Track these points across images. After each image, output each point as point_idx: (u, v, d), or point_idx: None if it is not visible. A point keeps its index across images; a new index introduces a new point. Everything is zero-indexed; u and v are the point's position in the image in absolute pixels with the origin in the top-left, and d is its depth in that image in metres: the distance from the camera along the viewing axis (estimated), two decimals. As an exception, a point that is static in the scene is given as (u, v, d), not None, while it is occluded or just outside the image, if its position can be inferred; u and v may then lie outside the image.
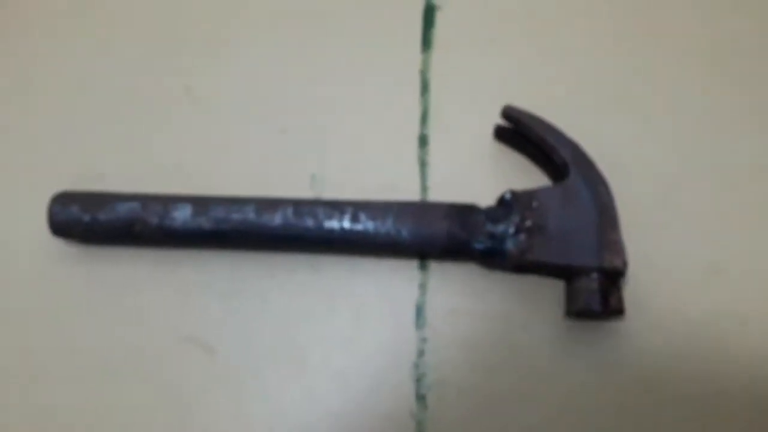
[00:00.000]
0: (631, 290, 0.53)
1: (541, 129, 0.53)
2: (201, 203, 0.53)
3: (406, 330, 0.54)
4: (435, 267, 0.55)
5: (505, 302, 0.54)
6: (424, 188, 0.58)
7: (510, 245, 0.51)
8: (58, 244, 0.56)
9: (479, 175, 0.58)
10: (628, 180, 0.55)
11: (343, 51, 0.63)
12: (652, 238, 0.55)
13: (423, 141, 0.59)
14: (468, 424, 0.51)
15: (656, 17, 0.63)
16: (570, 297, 0.51)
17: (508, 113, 0.55)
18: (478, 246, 0.51)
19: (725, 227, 0.55)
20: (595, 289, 0.49)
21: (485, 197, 0.53)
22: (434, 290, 0.55)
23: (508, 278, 0.54)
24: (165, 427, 0.52)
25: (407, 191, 0.57)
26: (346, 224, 0.52)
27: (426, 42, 0.63)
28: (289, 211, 0.52)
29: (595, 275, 0.49)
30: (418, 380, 0.52)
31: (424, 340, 0.53)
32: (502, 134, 0.58)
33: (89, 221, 0.52)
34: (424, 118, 0.60)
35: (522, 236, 0.51)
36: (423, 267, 0.55)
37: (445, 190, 0.57)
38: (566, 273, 0.51)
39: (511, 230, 0.51)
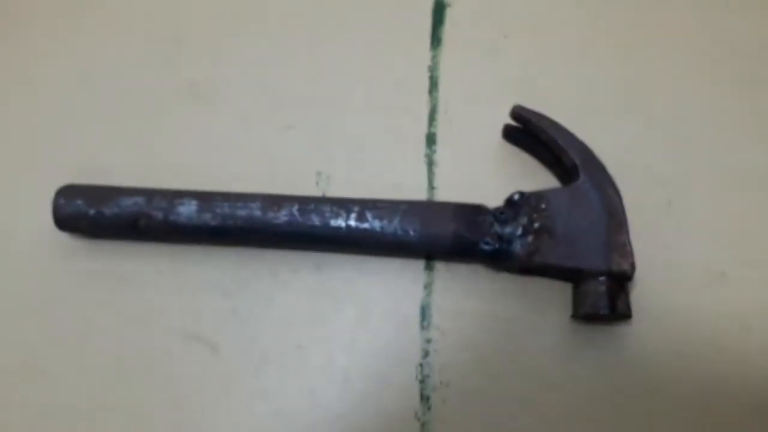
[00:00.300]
0: (638, 294, 0.52)
1: (551, 130, 0.53)
2: (206, 199, 0.52)
3: (411, 331, 0.53)
4: (441, 267, 0.55)
5: (511, 304, 0.53)
6: (431, 187, 0.57)
7: (517, 247, 0.50)
8: (63, 238, 0.56)
9: (487, 175, 0.57)
10: (635, 183, 0.54)
11: (351, 47, 0.62)
12: (658, 242, 0.54)
13: (431, 140, 0.59)
14: (472, 425, 0.51)
15: (665, 21, 0.62)
16: (577, 300, 0.51)
17: (518, 113, 0.54)
18: (485, 247, 0.50)
19: (731, 232, 0.55)
20: (602, 292, 0.49)
21: (493, 198, 0.52)
22: (440, 291, 0.54)
23: (515, 280, 0.54)
24: (166, 423, 0.52)
25: (414, 190, 0.57)
26: (353, 223, 0.51)
27: (435, 39, 0.62)
28: (295, 208, 0.52)
29: (602, 278, 0.49)
30: (423, 381, 0.52)
31: (429, 341, 0.53)
32: (510, 134, 0.57)
33: (94, 215, 0.52)
34: (432, 117, 0.60)
35: (530, 238, 0.50)
36: (429, 267, 0.55)
37: (453, 190, 0.56)
38: (574, 276, 0.51)
39: (519, 232, 0.50)
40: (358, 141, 0.59)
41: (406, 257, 0.55)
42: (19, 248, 0.57)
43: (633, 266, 0.49)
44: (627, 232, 0.50)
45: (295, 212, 0.52)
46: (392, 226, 0.51)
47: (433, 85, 0.61)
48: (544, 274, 0.53)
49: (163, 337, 0.54)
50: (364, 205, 0.52)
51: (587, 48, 0.61)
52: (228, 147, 0.59)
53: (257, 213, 0.52)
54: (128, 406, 0.52)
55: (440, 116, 0.60)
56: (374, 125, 0.60)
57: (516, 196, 0.51)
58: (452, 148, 0.58)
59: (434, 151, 0.58)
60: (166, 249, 0.56)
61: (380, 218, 0.51)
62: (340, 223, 0.51)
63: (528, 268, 0.52)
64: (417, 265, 0.55)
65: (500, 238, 0.50)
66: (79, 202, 0.52)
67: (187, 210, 0.52)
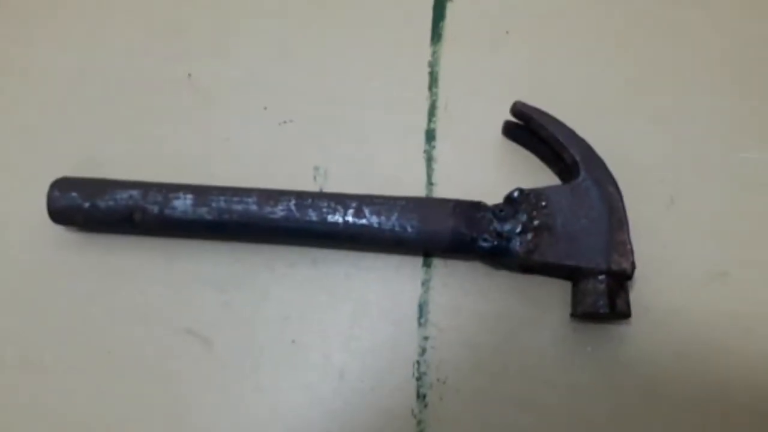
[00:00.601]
0: (638, 293, 0.52)
1: (551, 127, 0.52)
2: (202, 193, 0.52)
3: (408, 327, 0.53)
4: (439, 264, 0.54)
5: (509, 302, 0.53)
6: (429, 184, 0.57)
7: (516, 244, 0.50)
8: (57, 231, 0.55)
9: (486, 171, 0.57)
10: (636, 181, 0.54)
11: (351, 41, 0.62)
12: (659, 241, 0.54)
13: (430, 135, 0.58)
14: (469, 423, 0.50)
15: (669, 18, 0.62)
16: (576, 298, 0.50)
17: (519, 110, 0.54)
18: (484, 244, 0.50)
19: (732, 232, 0.55)
20: (602, 290, 0.48)
21: (492, 195, 0.52)
22: (438, 288, 0.54)
23: (514, 278, 0.53)
24: (160, 417, 0.51)
25: (412, 186, 0.56)
26: (350, 218, 0.51)
27: (436, 34, 0.62)
28: (292, 203, 0.51)
29: (602, 277, 0.48)
30: (420, 378, 0.51)
31: (426, 338, 0.52)
32: (511, 131, 0.57)
33: (88, 208, 0.52)
34: (431, 112, 0.59)
35: (529, 235, 0.50)
36: (427, 264, 0.54)
37: (452, 187, 0.56)
38: (573, 274, 0.50)
39: (518, 229, 0.50)
40: (357, 136, 0.59)
41: (403, 254, 0.54)
42: (13, 241, 0.56)
43: (633, 265, 0.49)
44: (627, 231, 0.50)
45: (292, 207, 0.51)
46: (390, 222, 0.51)
47: (433, 80, 0.60)
48: (544, 272, 0.53)
49: (158, 332, 0.53)
50: (362, 201, 0.51)
51: (589, 44, 0.61)
52: (225, 141, 0.59)
53: (254, 207, 0.51)
54: (122, 400, 0.52)
55: (440, 112, 0.59)
56: (373, 120, 0.59)
57: (515, 193, 0.51)
58: (452, 145, 0.58)
59: (433, 147, 0.58)
60: (162, 243, 0.55)
61: (378, 214, 0.51)
62: (338, 218, 0.51)
63: (527, 265, 0.51)
64: (415, 262, 0.55)
65: (499, 235, 0.50)
66: (74, 194, 0.52)
67: (183, 204, 0.51)
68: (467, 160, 0.57)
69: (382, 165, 0.57)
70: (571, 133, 0.52)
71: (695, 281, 0.53)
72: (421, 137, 0.58)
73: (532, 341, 0.52)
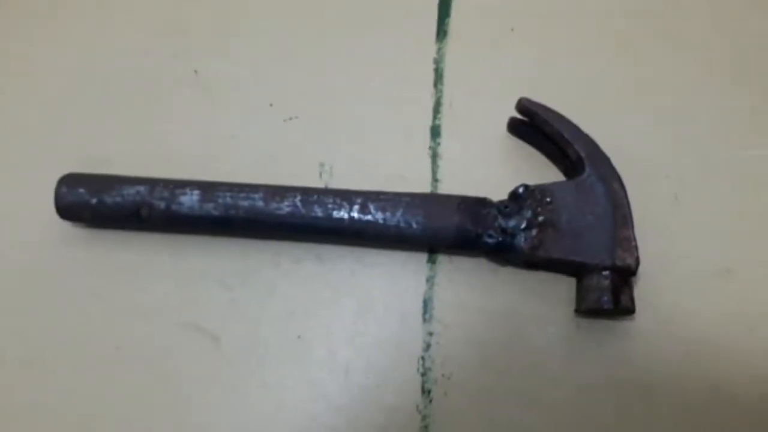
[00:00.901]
0: (641, 289, 0.52)
1: (557, 123, 0.52)
2: (209, 189, 0.52)
3: (413, 323, 0.53)
4: (444, 260, 0.55)
5: (514, 298, 0.53)
6: (434, 180, 0.57)
7: (521, 240, 0.50)
8: (64, 226, 0.56)
9: (491, 168, 0.57)
10: (641, 178, 0.54)
11: (356, 38, 0.62)
12: (663, 237, 0.54)
13: (435, 132, 0.59)
14: (473, 419, 0.51)
15: (674, 15, 0.62)
16: (581, 294, 0.50)
17: (524, 106, 0.54)
18: (489, 240, 0.50)
19: (736, 229, 0.55)
20: (606, 286, 0.48)
21: (497, 191, 0.52)
22: (443, 284, 0.54)
23: (518, 274, 0.54)
24: (167, 413, 0.52)
25: (417, 183, 0.57)
26: (355, 214, 0.51)
27: (441, 31, 0.62)
28: (298, 199, 0.51)
29: (606, 273, 0.49)
30: (424, 374, 0.52)
31: (431, 334, 0.53)
32: (515, 127, 0.57)
33: (96, 204, 0.52)
34: (436, 109, 0.59)
35: (534, 231, 0.50)
36: (432, 260, 0.55)
37: (457, 183, 0.56)
38: (578, 270, 0.50)
39: (523, 225, 0.50)
40: (362, 132, 0.59)
41: (408, 250, 0.55)
42: (21, 237, 0.56)
43: (637, 261, 0.49)
44: (632, 227, 0.50)
45: (298, 203, 0.51)
46: (395, 218, 0.51)
47: (438, 77, 0.60)
48: (548, 268, 0.53)
49: (164, 327, 0.53)
50: (367, 197, 0.52)
51: (593, 42, 0.61)
52: (231, 137, 0.59)
53: (260, 203, 0.51)
54: (128, 395, 0.52)
55: (445, 109, 0.59)
56: (378, 117, 0.59)
57: (520, 189, 0.51)
58: (457, 141, 0.58)
59: (438, 144, 0.58)
60: (168, 239, 0.55)
61: (383, 210, 0.51)
62: (343, 214, 0.51)
63: (532, 261, 0.51)
64: (420, 258, 0.55)
65: (504, 231, 0.50)
66: (81, 190, 0.52)
67: (190, 200, 0.52)
68: (472, 157, 0.57)
69: (387, 161, 0.58)
70: (576, 130, 0.52)
71: (699, 278, 0.53)
72: (426, 134, 0.59)
73: (536, 337, 0.52)
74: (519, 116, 0.56)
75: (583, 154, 0.51)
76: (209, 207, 0.51)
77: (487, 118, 0.58)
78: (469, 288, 0.54)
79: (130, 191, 0.52)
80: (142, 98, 0.61)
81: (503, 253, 0.51)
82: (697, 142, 0.57)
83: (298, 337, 0.53)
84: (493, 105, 0.58)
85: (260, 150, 0.58)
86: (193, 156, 0.58)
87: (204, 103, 0.60)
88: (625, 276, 0.49)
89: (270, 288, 0.54)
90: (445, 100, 0.60)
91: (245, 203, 0.51)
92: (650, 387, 0.51)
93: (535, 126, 0.55)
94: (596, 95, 0.59)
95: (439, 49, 0.61)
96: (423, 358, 0.52)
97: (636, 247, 0.49)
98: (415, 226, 0.51)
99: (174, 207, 0.52)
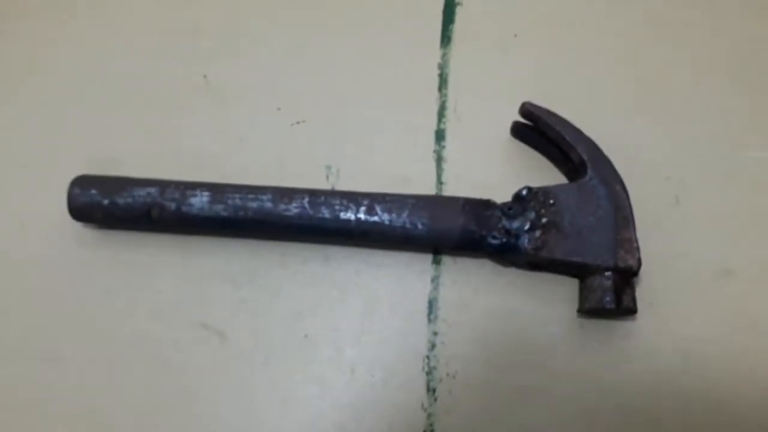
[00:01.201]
0: (643, 289, 0.53)
1: (559, 127, 0.53)
2: (218, 190, 0.53)
3: (418, 323, 0.54)
4: (448, 261, 0.55)
5: (517, 299, 0.54)
6: (439, 183, 0.58)
7: (525, 241, 0.51)
8: (76, 227, 0.57)
9: (495, 171, 0.58)
10: (642, 180, 0.55)
11: (363, 43, 0.63)
12: (665, 238, 0.55)
13: (440, 136, 0.60)
14: (478, 417, 0.51)
15: (675, 20, 0.63)
16: (583, 294, 0.51)
17: (527, 110, 0.55)
18: (493, 241, 0.51)
19: (736, 230, 0.56)
20: (608, 287, 0.49)
21: (501, 194, 0.53)
22: (447, 285, 0.55)
23: (522, 275, 0.54)
24: (175, 409, 0.52)
25: (422, 186, 0.58)
26: (362, 216, 0.52)
27: (445, 37, 0.63)
28: (306, 200, 0.52)
29: (608, 273, 0.49)
30: (429, 373, 0.52)
31: (435, 333, 0.54)
32: (519, 131, 0.58)
33: (107, 205, 0.53)
34: (441, 113, 0.60)
35: (537, 233, 0.51)
36: (436, 261, 0.56)
37: (461, 186, 0.57)
38: (580, 271, 0.51)
39: (527, 226, 0.51)
40: (368, 136, 0.60)
41: (414, 251, 0.56)
42: (34, 237, 0.57)
43: (639, 262, 0.50)
44: (633, 228, 0.51)
45: (306, 204, 0.52)
46: (401, 219, 0.52)
47: (443, 82, 0.62)
48: (551, 269, 0.54)
49: (174, 326, 0.54)
50: (374, 199, 0.52)
51: (594, 46, 0.62)
52: (240, 140, 0.60)
53: (268, 205, 0.52)
54: (138, 392, 0.53)
55: (449, 113, 0.60)
56: (384, 121, 0.60)
57: (524, 191, 0.52)
58: (461, 144, 0.59)
59: (443, 147, 0.59)
60: (178, 240, 0.56)
61: (389, 211, 0.52)
62: (350, 215, 0.52)
63: (535, 262, 0.52)
64: (424, 259, 0.56)
65: (508, 232, 0.51)
66: (93, 191, 0.53)
67: (200, 201, 0.53)
68: (476, 160, 0.58)
69: (393, 164, 0.59)
70: (579, 133, 0.53)
71: (700, 279, 0.54)
72: (431, 137, 0.60)
73: (539, 337, 0.53)
74: (522, 120, 0.57)
75: (585, 157, 0.52)
76: (219, 208, 0.52)
77: (490, 122, 0.59)
78: (473, 288, 0.55)
79: (141, 192, 0.53)
80: (153, 101, 0.62)
81: (507, 253, 0.52)
82: (698, 145, 0.58)
83: (305, 335, 0.54)
84: (496, 109, 0.59)
85: (268, 153, 0.59)
86: (203, 158, 0.59)
87: (213, 107, 0.61)
88: (627, 277, 0.50)
89: (277, 288, 0.55)
90: (450, 105, 0.61)
91: (254, 204, 0.52)
92: (652, 385, 0.51)
93: (538, 130, 0.56)
94: (598, 99, 0.60)
95: (443, 55, 0.62)
96: (428, 357, 0.53)
97: (638, 248, 0.50)
98: (420, 227, 0.52)
99: (184, 208, 0.53)
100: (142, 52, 0.64)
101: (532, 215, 0.51)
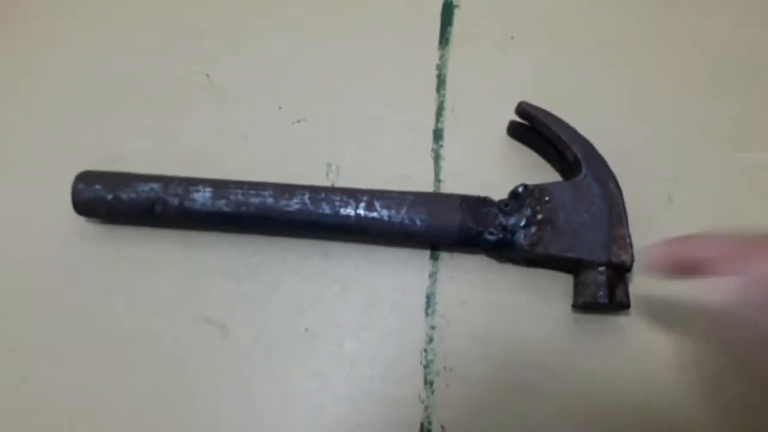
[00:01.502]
0: (636, 285, 0.54)
1: (555, 126, 0.55)
2: (221, 186, 0.54)
3: (416, 318, 0.55)
4: (446, 257, 0.56)
5: (513, 294, 0.55)
6: (437, 181, 0.59)
7: (521, 237, 0.52)
8: (80, 222, 0.58)
9: (491, 169, 0.59)
10: (636, 179, 0.56)
11: (363, 44, 0.65)
12: (658, 236, 0.55)
13: (438, 135, 0.61)
14: (474, 409, 0.52)
15: (670, 23, 0.64)
16: (577, 289, 0.52)
17: (523, 109, 0.56)
18: (490, 237, 0.52)
19: (729, 228, 0.56)
20: (602, 282, 0.50)
21: (497, 191, 0.54)
22: (445, 280, 0.56)
23: (518, 271, 0.56)
24: (177, 403, 0.53)
25: (421, 183, 0.59)
26: (361, 212, 0.53)
27: (443, 39, 0.64)
28: (306, 196, 0.53)
29: (602, 269, 0.50)
30: (427, 366, 0.53)
31: (433, 327, 0.54)
32: (515, 131, 0.59)
33: (111, 200, 0.54)
34: (439, 113, 0.62)
35: (533, 229, 0.52)
36: (434, 257, 0.57)
37: (458, 184, 0.58)
38: (575, 266, 0.52)
39: (523, 223, 0.52)
40: (368, 135, 0.61)
41: (412, 247, 0.57)
42: (38, 232, 0.58)
43: (632, 257, 0.51)
44: (627, 225, 0.52)
45: (306, 200, 0.53)
46: (400, 215, 0.53)
47: (441, 82, 0.63)
48: (546, 265, 0.55)
49: (175, 320, 0.55)
50: (373, 195, 0.53)
51: (591, 48, 0.64)
52: (242, 138, 0.61)
53: (270, 200, 0.53)
54: (140, 387, 0.54)
55: (447, 113, 0.62)
56: (383, 120, 0.62)
57: (520, 189, 0.53)
58: (458, 143, 0.60)
59: (441, 146, 0.60)
60: (180, 235, 0.57)
61: (388, 208, 0.53)
62: (350, 211, 0.53)
63: (530, 258, 0.53)
64: (423, 255, 0.57)
65: (504, 228, 0.52)
66: (98, 187, 0.54)
67: (202, 197, 0.54)
68: (473, 158, 0.60)
69: (392, 163, 0.60)
70: (574, 132, 0.54)
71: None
72: (429, 136, 0.61)
73: (535, 331, 0.54)
74: (519, 119, 0.58)
75: (580, 156, 0.53)
76: (221, 204, 0.53)
77: (487, 122, 0.60)
78: (470, 284, 0.56)
79: (144, 188, 0.54)
80: (155, 100, 0.63)
81: (503, 249, 0.53)
82: (691, 145, 0.59)
83: (305, 330, 0.55)
84: (493, 109, 0.60)
85: (270, 150, 0.61)
86: (205, 156, 0.60)
87: (216, 106, 0.63)
88: (620, 272, 0.51)
89: (278, 282, 0.56)
90: (448, 105, 0.62)
91: (255, 200, 0.53)
92: (645, 378, 0.52)
93: (534, 129, 0.57)
94: (592, 100, 0.61)
95: (441, 56, 0.64)
96: (426, 350, 0.54)
97: (631, 245, 0.51)
98: (419, 223, 0.53)
99: (187, 203, 0.54)
100: (145, 51, 0.65)
101: (527, 212, 0.52)
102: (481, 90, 0.62)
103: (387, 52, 0.64)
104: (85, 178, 0.55)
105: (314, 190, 0.54)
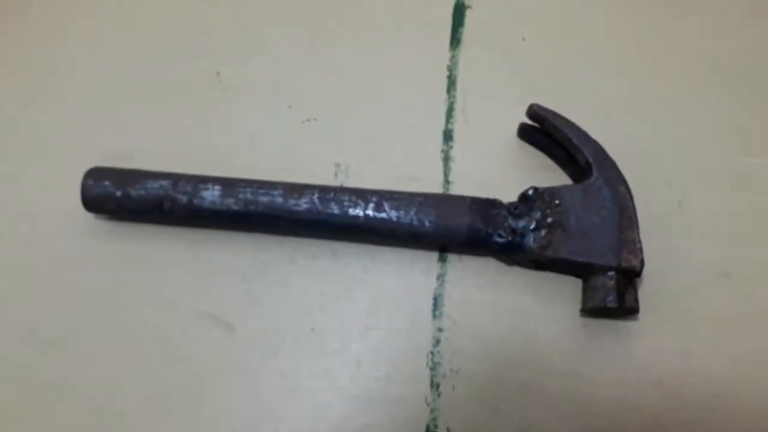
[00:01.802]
0: (645, 290, 0.54)
1: (566, 129, 0.54)
2: (230, 184, 0.54)
3: (423, 319, 0.55)
4: (454, 259, 0.56)
5: (521, 297, 0.55)
6: (446, 182, 0.59)
7: (530, 240, 0.52)
8: (89, 219, 0.58)
9: (501, 171, 0.59)
10: (646, 184, 0.56)
11: (374, 45, 0.65)
12: (667, 241, 0.56)
13: (447, 136, 0.61)
14: (481, 412, 0.52)
15: (679, 25, 0.64)
16: (586, 294, 0.52)
17: (534, 112, 0.56)
18: (499, 240, 0.52)
19: (736, 233, 0.57)
20: (611, 287, 0.50)
21: (507, 194, 0.54)
22: (452, 282, 0.56)
23: (526, 274, 0.55)
24: (184, 400, 0.53)
25: (430, 184, 0.59)
26: (370, 212, 0.53)
27: (455, 40, 0.64)
28: (315, 196, 0.53)
29: (612, 273, 0.50)
30: (433, 368, 0.53)
31: (440, 329, 0.54)
32: (525, 133, 0.59)
33: (120, 196, 0.54)
34: (449, 114, 0.61)
35: (542, 232, 0.52)
36: (442, 259, 0.56)
37: (468, 185, 0.58)
38: (584, 270, 0.52)
39: (532, 226, 0.52)
40: (377, 135, 0.61)
41: (420, 248, 0.57)
42: (47, 227, 0.58)
43: (642, 262, 0.50)
44: (637, 230, 0.51)
45: (315, 200, 0.53)
46: (408, 216, 0.53)
47: (452, 83, 0.63)
48: (555, 269, 0.54)
49: (183, 317, 0.55)
50: (382, 196, 0.53)
51: (601, 51, 0.63)
52: (250, 137, 0.61)
53: (279, 200, 0.53)
54: (146, 384, 0.54)
55: (457, 114, 0.61)
56: (393, 120, 0.61)
57: (530, 191, 0.53)
58: (468, 145, 0.60)
59: (451, 147, 0.60)
60: (189, 233, 0.57)
61: (397, 209, 0.53)
62: (358, 212, 0.53)
63: (539, 261, 0.53)
64: (431, 257, 0.56)
65: (514, 231, 0.52)
66: (107, 183, 0.54)
67: (211, 195, 0.53)
68: (483, 160, 0.59)
69: (401, 163, 0.60)
70: (585, 135, 0.54)
71: (701, 280, 0.55)
72: (439, 137, 0.61)
73: (542, 335, 0.54)
74: (529, 122, 0.58)
75: (590, 159, 0.53)
76: (230, 202, 0.53)
77: (498, 123, 0.60)
78: (477, 286, 0.55)
79: (153, 185, 0.54)
80: (165, 98, 0.63)
81: (512, 252, 0.53)
82: (700, 151, 0.59)
83: (312, 329, 0.55)
84: (503, 111, 0.60)
85: (279, 149, 0.60)
86: (215, 154, 0.60)
87: (225, 104, 0.63)
88: (629, 277, 0.51)
89: (286, 282, 0.56)
90: (458, 106, 0.62)
91: (264, 199, 0.53)
92: (652, 384, 0.52)
93: (544, 131, 0.57)
94: (603, 103, 0.61)
95: (452, 57, 0.64)
96: (432, 352, 0.54)
97: (641, 249, 0.51)
98: (427, 224, 0.52)
99: (196, 201, 0.53)
100: (155, 49, 0.65)
101: (537, 215, 0.52)
102: (491, 91, 0.62)
103: (398, 52, 0.64)
104: (94, 175, 0.55)
105: (323, 190, 0.54)
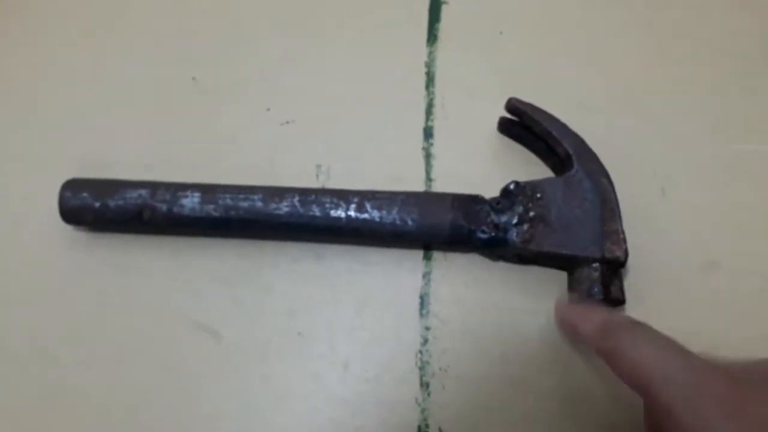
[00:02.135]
0: (631, 281, 0.53)
1: (545, 122, 0.54)
2: (209, 191, 0.53)
3: (410, 319, 0.54)
4: (439, 257, 0.56)
5: (507, 292, 0.55)
6: (428, 179, 0.59)
7: (513, 235, 0.51)
8: (68, 231, 0.57)
9: (483, 167, 0.59)
10: (629, 173, 0.55)
11: (350, 43, 0.64)
12: (652, 230, 0.55)
13: (428, 133, 0.60)
14: (471, 410, 0.52)
15: (661, 15, 0.64)
16: (572, 286, 0.52)
17: (513, 105, 0.56)
18: (482, 236, 0.52)
19: (721, 223, 0.56)
20: (596, 278, 0.50)
21: (488, 189, 0.54)
22: (438, 280, 0.55)
23: (511, 269, 0.55)
24: (171, 408, 0.53)
25: (412, 183, 0.58)
26: (352, 213, 0.52)
27: (432, 36, 0.64)
28: (296, 199, 0.53)
29: (596, 265, 0.50)
30: (422, 368, 0.53)
31: (428, 328, 0.54)
32: (505, 127, 0.59)
33: (99, 207, 0.53)
34: (428, 111, 0.61)
35: (525, 226, 0.51)
36: (427, 257, 0.56)
37: (450, 182, 0.58)
38: (568, 263, 0.52)
39: (515, 220, 0.51)
40: (357, 135, 0.61)
41: (404, 247, 0.56)
42: (26, 240, 0.58)
43: (626, 252, 0.50)
44: (620, 220, 0.51)
45: (296, 203, 0.53)
46: (391, 216, 0.52)
47: (430, 80, 0.62)
48: (540, 263, 0.54)
49: (168, 327, 0.55)
50: (364, 196, 0.53)
51: (581, 43, 0.63)
52: (229, 141, 0.61)
53: (259, 204, 0.53)
54: (133, 392, 0.53)
55: (437, 110, 0.61)
56: (373, 119, 0.61)
57: (512, 186, 0.52)
58: (449, 141, 0.60)
59: (431, 144, 0.60)
60: (170, 241, 0.57)
61: (379, 208, 0.52)
62: (340, 213, 0.53)
63: (524, 255, 0.53)
64: (416, 255, 0.56)
65: (496, 226, 0.52)
66: (85, 194, 0.54)
67: (191, 202, 0.53)
68: (464, 156, 0.59)
69: (382, 162, 0.59)
70: (564, 128, 0.54)
71: (687, 270, 0.55)
72: (420, 135, 0.60)
73: (530, 329, 0.53)
74: (508, 116, 0.57)
75: (571, 151, 0.53)
76: (210, 208, 0.53)
77: (477, 119, 0.60)
78: (463, 283, 0.55)
79: (132, 194, 0.53)
80: (142, 104, 0.62)
81: (496, 247, 0.52)
82: (684, 139, 0.59)
83: (299, 333, 0.54)
84: (483, 106, 0.59)
85: (258, 153, 0.60)
86: (194, 159, 0.60)
87: (203, 109, 0.62)
88: (614, 268, 0.51)
89: (270, 286, 0.56)
90: (437, 102, 0.61)
91: (245, 204, 0.53)
92: (641, 375, 0.52)
93: (524, 125, 0.56)
94: (583, 94, 0.61)
95: (430, 53, 0.63)
96: (421, 352, 0.53)
97: (624, 240, 0.50)
98: (410, 223, 0.52)
99: (175, 209, 0.53)
100: (131, 54, 0.64)
101: (520, 209, 0.52)
102: (470, 87, 0.62)
103: (375, 50, 0.64)
104: (72, 186, 0.54)
105: (304, 193, 0.53)
